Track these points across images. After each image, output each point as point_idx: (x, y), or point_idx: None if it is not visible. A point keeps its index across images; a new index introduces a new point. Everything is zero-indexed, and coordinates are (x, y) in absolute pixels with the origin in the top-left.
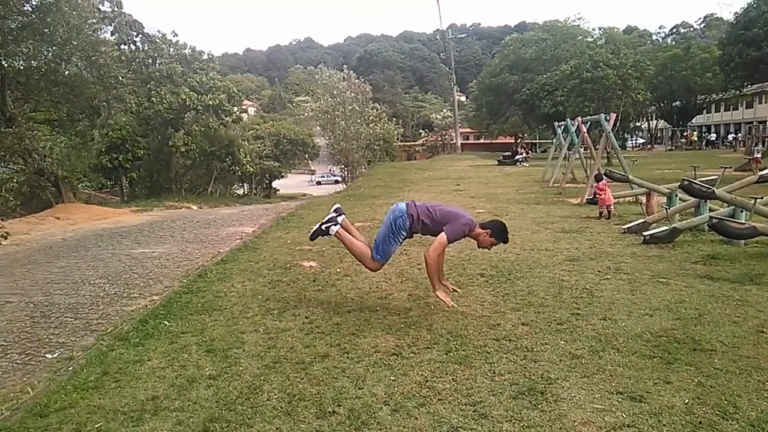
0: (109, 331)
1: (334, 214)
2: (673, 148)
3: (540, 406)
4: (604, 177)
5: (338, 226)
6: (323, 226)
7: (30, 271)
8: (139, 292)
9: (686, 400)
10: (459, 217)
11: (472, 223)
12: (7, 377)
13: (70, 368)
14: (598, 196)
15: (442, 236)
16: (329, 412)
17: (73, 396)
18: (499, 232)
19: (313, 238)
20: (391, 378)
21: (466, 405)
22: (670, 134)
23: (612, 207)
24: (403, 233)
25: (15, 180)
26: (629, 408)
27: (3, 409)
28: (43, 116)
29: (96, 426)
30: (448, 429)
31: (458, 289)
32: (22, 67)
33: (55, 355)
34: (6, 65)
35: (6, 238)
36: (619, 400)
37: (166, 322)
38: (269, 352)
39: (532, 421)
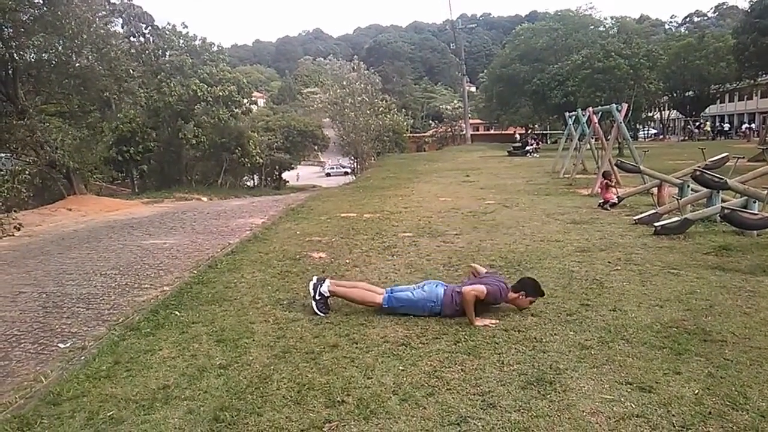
0: (120, 321)
1: (315, 281)
2: (686, 138)
3: (549, 396)
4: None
5: (327, 283)
6: (317, 297)
7: (42, 262)
8: (150, 283)
9: (696, 391)
10: (493, 283)
11: (505, 289)
12: (20, 366)
13: (83, 357)
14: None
15: (480, 287)
16: (338, 401)
17: (85, 385)
18: (532, 290)
19: (322, 311)
20: (400, 368)
21: (474, 395)
22: (682, 124)
23: (609, 203)
24: (426, 313)
25: (27, 172)
26: (638, 398)
27: (17, 398)
28: (55, 108)
29: (108, 414)
30: (457, 418)
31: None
32: (33, 60)
33: (68, 345)
34: (17, 58)
35: (19, 230)
36: (629, 390)
37: (176, 313)
38: (279, 342)
39: (540, 411)
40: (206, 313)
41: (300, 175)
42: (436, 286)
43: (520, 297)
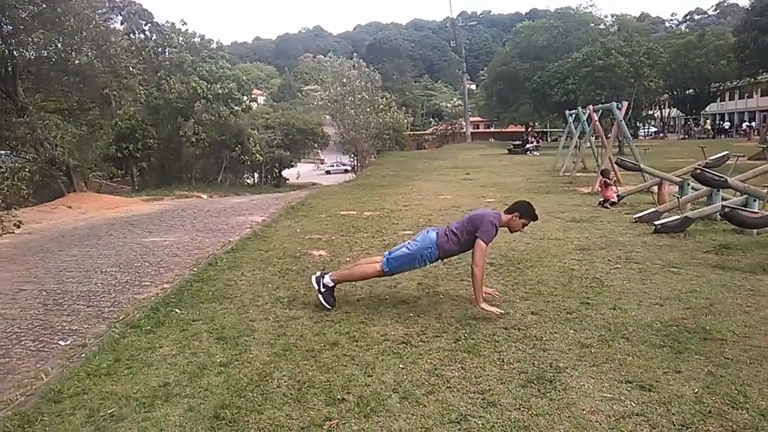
0: (121, 318)
1: (318, 275)
2: (686, 136)
3: (549, 394)
4: (613, 168)
5: (328, 276)
6: (322, 290)
7: (43, 260)
8: (151, 280)
9: (696, 390)
10: (484, 218)
11: (497, 215)
12: (21, 364)
13: (83, 355)
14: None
15: (479, 243)
16: (339, 399)
17: (85, 382)
18: (526, 212)
19: (330, 303)
20: (400, 366)
21: (474, 393)
22: (683, 122)
23: (609, 202)
24: (426, 262)
25: (27, 169)
26: (638, 397)
27: (18, 395)
28: (54, 106)
29: (109, 411)
30: (457, 417)
31: (469, 278)
32: (33, 57)
33: (68, 342)
34: (17, 55)
35: (19, 227)
36: (629, 389)
37: (177, 310)
38: (279, 340)
39: (540, 410)
40: (206, 310)
41: (300, 172)
42: (428, 232)
43: (514, 218)
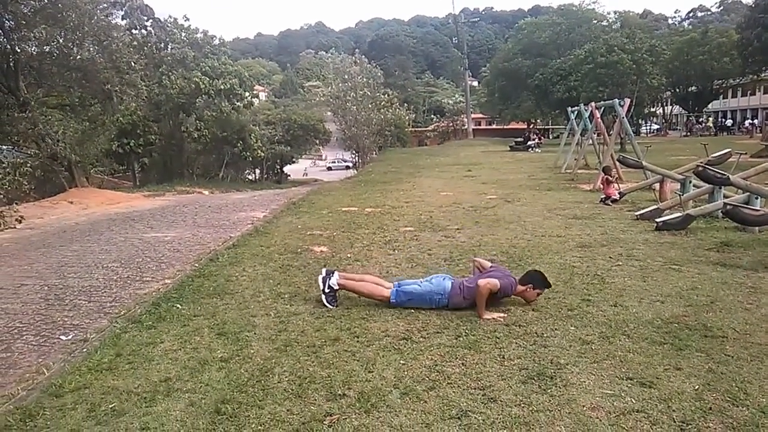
0: (122, 313)
1: (324, 275)
2: (688, 134)
3: (549, 390)
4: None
5: (335, 276)
6: (326, 290)
7: (44, 255)
8: (152, 276)
9: (696, 387)
10: (508, 277)
11: (515, 281)
12: (23, 358)
13: (85, 350)
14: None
15: (493, 280)
16: (339, 394)
17: (87, 377)
18: (539, 282)
19: (331, 303)
20: (401, 362)
21: (475, 389)
22: (685, 120)
23: (610, 199)
24: (433, 306)
25: (29, 164)
26: (639, 393)
27: (19, 389)
28: (56, 101)
29: (110, 406)
30: (457, 412)
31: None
32: (34, 52)
33: (70, 337)
34: (19, 50)
35: (20, 222)
36: (629, 385)
37: (178, 306)
38: (280, 336)
39: (541, 406)
40: (208, 306)
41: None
42: (444, 279)
43: (528, 290)
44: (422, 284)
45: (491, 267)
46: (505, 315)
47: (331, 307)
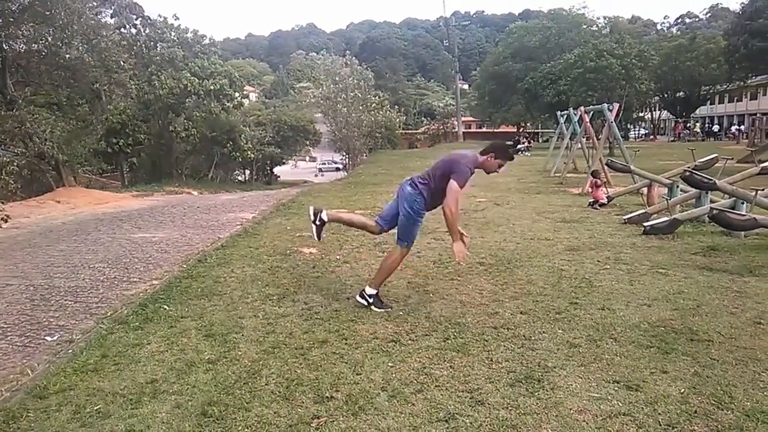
0: (108, 314)
1: (314, 209)
2: (676, 139)
3: (537, 393)
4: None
5: (325, 212)
6: (317, 222)
7: (30, 255)
8: (139, 277)
9: (682, 390)
10: (458, 159)
11: (473, 158)
12: (6, 359)
13: (70, 351)
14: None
15: (453, 184)
16: (327, 397)
17: (72, 378)
18: (501, 151)
19: (319, 236)
20: (389, 364)
21: (463, 392)
22: (672, 125)
23: (598, 203)
24: (423, 213)
25: (15, 163)
26: (625, 397)
27: (3, 391)
28: (44, 100)
29: (95, 408)
30: (445, 415)
31: (458, 277)
32: (22, 50)
33: (55, 338)
34: (6, 48)
35: (6, 221)
36: (616, 388)
37: (165, 307)
38: (268, 338)
39: (528, 409)
40: (195, 307)
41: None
42: (405, 183)
43: (489, 159)
44: (391, 204)
45: (441, 162)
46: (469, 254)
47: (317, 240)
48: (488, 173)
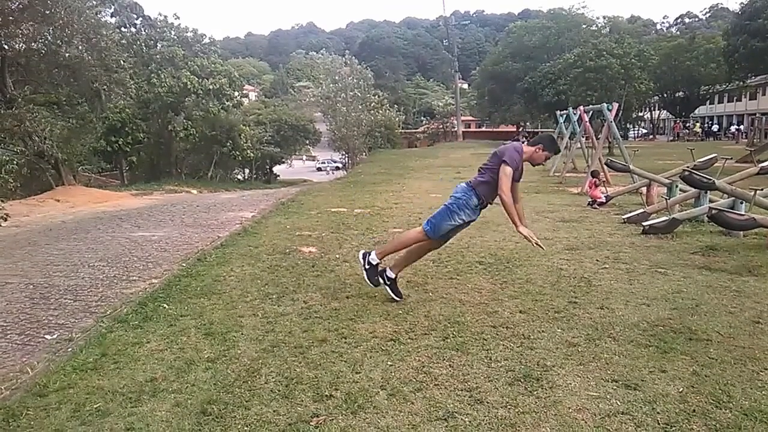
0: (108, 313)
1: (363, 252)
2: (675, 138)
3: (535, 392)
4: (603, 169)
5: (372, 253)
6: (367, 266)
7: (29, 253)
8: (139, 275)
9: (681, 389)
10: (510, 148)
11: (521, 146)
12: (6, 357)
13: (69, 349)
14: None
15: (504, 168)
16: (326, 395)
17: (72, 377)
18: (549, 143)
19: (375, 283)
20: (388, 363)
21: (462, 390)
22: (672, 125)
23: (597, 202)
24: (467, 211)
25: (15, 162)
26: (624, 396)
27: (3, 389)
28: (44, 98)
29: (95, 406)
30: (444, 414)
31: (457, 276)
32: (22, 49)
33: (55, 336)
34: (6, 47)
35: (6, 220)
36: (614, 387)
37: (165, 305)
38: (267, 336)
39: (527, 407)
40: (195, 306)
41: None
42: (457, 186)
43: (537, 150)
44: (444, 205)
45: (492, 156)
46: (542, 246)
47: (371, 286)
48: (534, 165)
